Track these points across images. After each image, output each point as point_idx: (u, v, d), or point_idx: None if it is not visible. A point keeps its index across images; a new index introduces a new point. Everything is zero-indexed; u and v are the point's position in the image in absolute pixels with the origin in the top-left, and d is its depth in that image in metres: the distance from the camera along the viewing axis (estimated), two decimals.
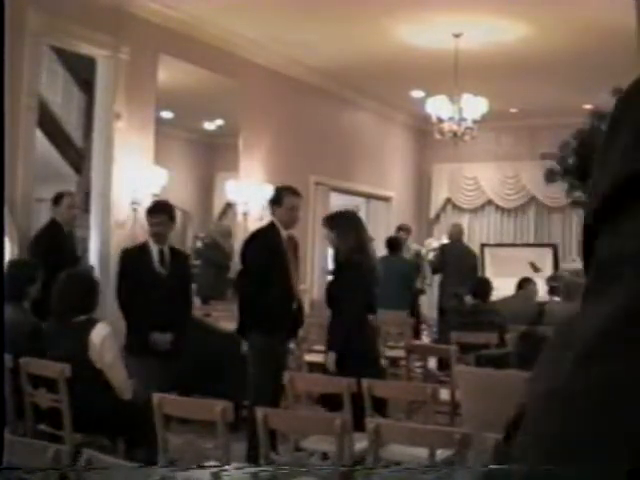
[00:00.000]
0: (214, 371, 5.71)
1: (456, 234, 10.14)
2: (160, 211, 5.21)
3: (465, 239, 12.45)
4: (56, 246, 5.75)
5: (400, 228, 10.35)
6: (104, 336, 4.25)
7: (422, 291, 10.00)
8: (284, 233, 5.05)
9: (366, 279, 4.86)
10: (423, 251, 10.54)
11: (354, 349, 4.67)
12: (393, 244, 9.42)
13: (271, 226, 5.10)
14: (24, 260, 5.47)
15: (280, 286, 4.93)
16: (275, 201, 5.11)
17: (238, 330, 5.13)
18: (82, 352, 4.19)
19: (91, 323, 4.33)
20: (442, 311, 9.29)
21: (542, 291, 9.20)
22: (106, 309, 6.54)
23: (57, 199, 6.06)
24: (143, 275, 5.07)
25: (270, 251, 4.95)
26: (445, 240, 10.75)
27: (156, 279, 5.06)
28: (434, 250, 10.66)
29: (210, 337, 6.05)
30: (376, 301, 5.17)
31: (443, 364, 6.37)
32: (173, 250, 5.28)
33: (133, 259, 5.20)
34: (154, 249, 5.13)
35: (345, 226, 4.88)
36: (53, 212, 6.08)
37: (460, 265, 9.39)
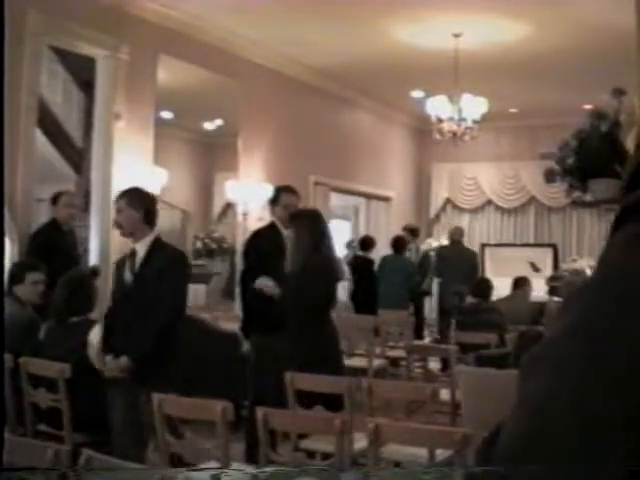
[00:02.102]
0: (214, 371, 5.72)
1: (456, 236, 10.13)
2: (120, 196, 4.26)
3: (465, 239, 12.47)
4: (53, 244, 5.75)
5: (405, 228, 10.32)
6: None
7: (427, 292, 9.98)
8: (285, 232, 5.06)
9: (320, 280, 4.64)
10: (432, 253, 10.51)
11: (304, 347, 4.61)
12: (397, 244, 9.42)
13: (272, 225, 5.12)
14: (15, 262, 5.46)
15: (282, 285, 4.92)
16: (273, 200, 5.15)
17: (242, 329, 5.13)
18: (81, 352, 4.20)
19: (89, 323, 4.34)
20: (442, 312, 9.30)
21: (542, 291, 9.21)
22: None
23: (55, 198, 6.09)
24: (115, 285, 4.29)
25: (271, 250, 4.95)
26: (445, 241, 10.75)
27: (121, 289, 4.18)
28: (433, 250, 10.65)
29: (210, 337, 6.06)
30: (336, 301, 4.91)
31: (445, 364, 6.38)
32: (155, 248, 4.11)
33: (118, 267, 4.34)
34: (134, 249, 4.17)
35: (302, 225, 4.72)
36: (52, 211, 6.12)
37: (459, 266, 9.39)
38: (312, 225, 4.71)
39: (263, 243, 5.04)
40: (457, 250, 9.90)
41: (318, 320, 4.63)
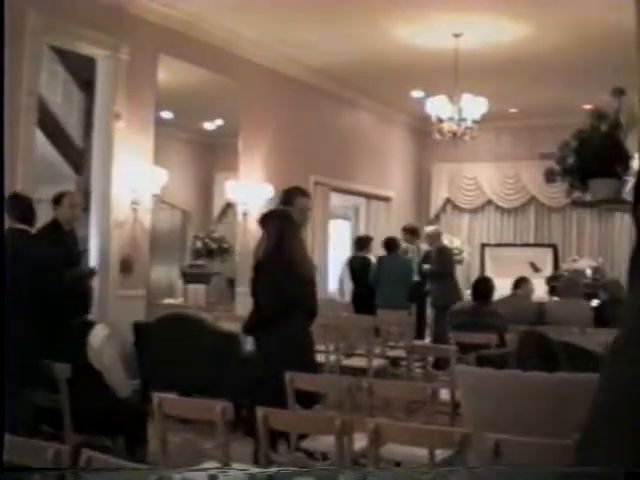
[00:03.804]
0: (214, 371, 5.71)
1: (434, 241, 9.75)
2: None
3: (465, 239, 12.49)
4: (54, 245, 5.74)
5: (404, 228, 10.20)
6: (103, 337, 4.26)
7: (429, 292, 9.93)
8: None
9: (278, 280, 4.58)
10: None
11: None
12: (389, 244, 9.40)
13: None
14: None
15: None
16: (286, 203, 5.09)
17: (243, 329, 5.11)
18: (81, 353, 4.20)
19: (88, 325, 4.34)
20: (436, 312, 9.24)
21: (542, 291, 9.21)
22: (107, 310, 6.55)
23: (58, 199, 6.05)
24: None
25: None
26: (446, 241, 10.70)
27: None
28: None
29: (210, 337, 6.05)
30: (309, 304, 4.82)
31: (439, 364, 6.36)
32: None
33: None
34: None
35: (272, 225, 4.70)
36: (55, 212, 6.08)
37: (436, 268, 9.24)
38: (281, 226, 4.66)
39: None
40: (434, 253, 9.58)
41: (288, 320, 4.56)
